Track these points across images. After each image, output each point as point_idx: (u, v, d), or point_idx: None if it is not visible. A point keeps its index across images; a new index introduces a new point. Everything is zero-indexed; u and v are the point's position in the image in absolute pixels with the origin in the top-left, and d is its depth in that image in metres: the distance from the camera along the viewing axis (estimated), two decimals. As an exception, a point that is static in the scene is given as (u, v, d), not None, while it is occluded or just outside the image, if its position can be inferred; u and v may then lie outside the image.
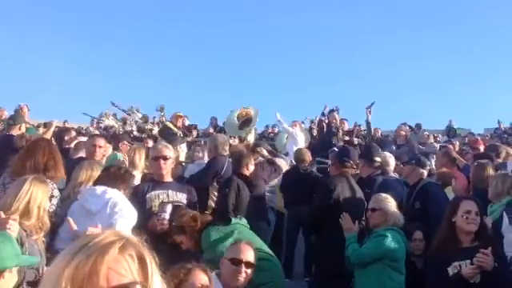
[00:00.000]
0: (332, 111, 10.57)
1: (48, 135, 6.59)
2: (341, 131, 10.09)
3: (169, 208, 3.79)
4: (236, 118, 8.81)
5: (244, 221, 3.87)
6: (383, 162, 5.43)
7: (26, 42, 38.58)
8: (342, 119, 10.83)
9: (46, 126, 7.12)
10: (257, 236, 3.82)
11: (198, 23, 44.88)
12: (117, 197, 3.51)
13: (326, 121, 10.39)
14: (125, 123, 12.24)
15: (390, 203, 4.08)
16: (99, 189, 3.55)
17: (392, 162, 5.67)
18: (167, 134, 8.15)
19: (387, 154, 5.79)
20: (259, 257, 3.52)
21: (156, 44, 43.99)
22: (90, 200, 3.49)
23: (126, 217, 3.44)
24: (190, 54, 43.55)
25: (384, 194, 4.21)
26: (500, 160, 6.12)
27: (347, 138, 9.97)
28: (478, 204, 3.44)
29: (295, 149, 9.16)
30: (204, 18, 45.05)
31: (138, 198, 3.93)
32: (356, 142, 9.29)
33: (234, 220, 3.78)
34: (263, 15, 44.97)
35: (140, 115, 12.39)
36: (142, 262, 0.91)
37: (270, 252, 3.77)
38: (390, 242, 3.84)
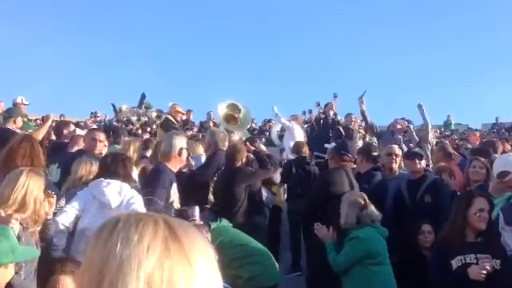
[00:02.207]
0: (327, 105, 10.61)
1: (44, 130, 6.54)
2: (356, 126, 10.09)
3: (197, 211, 3.82)
4: (222, 111, 8.48)
5: (225, 222, 3.91)
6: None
7: (25, 35, 38.40)
8: (349, 114, 10.64)
9: (44, 120, 7.09)
10: (243, 233, 3.86)
11: (195, 17, 44.62)
12: (131, 193, 3.62)
13: (323, 115, 10.43)
14: (159, 116, 12.54)
15: (349, 201, 3.99)
16: (115, 183, 3.61)
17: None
18: (168, 127, 8.11)
19: (396, 146, 5.74)
20: (247, 252, 3.58)
21: (154, 38, 43.82)
22: (108, 194, 3.54)
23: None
24: (189, 48, 43.40)
25: (350, 193, 4.16)
26: (497, 155, 6.13)
27: (363, 132, 9.99)
28: (490, 201, 3.48)
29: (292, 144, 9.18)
30: (201, 11, 44.83)
31: (167, 189, 4.05)
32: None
33: (213, 225, 3.80)
34: (262, 9, 44.85)
35: (154, 113, 12.63)
36: None
37: (259, 246, 3.82)
38: (363, 242, 3.81)
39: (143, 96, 13.29)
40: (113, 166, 3.72)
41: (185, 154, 4.35)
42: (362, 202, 3.95)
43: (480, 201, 3.39)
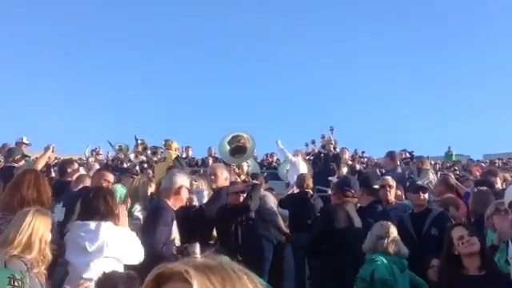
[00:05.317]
0: (329, 140, 10.78)
1: (45, 158, 6.49)
2: (343, 158, 10.24)
3: (198, 248, 3.79)
4: (227, 144, 8.52)
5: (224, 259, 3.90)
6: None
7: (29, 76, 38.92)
8: (342, 148, 10.99)
9: (45, 149, 7.08)
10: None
11: (193, 48, 44.78)
12: (111, 233, 3.50)
13: (325, 151, 10.55)
14: (155, 153, 12.95)
15: (372, 230, 4.13)
16: (91, 225, 3.50)
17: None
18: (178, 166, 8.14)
19: (389, 178, 5.78)
20: None
21: (150, 73, 43.79)
22: (85, 237, 3.46)
23: (122, 253, 3.48)
24: (185, 84, 43.56)
25: (378, 223, 4.22)
26: (497, 185, 6.14)
27: (350, 162, 10.07)
28: (467, 226, 3.62)
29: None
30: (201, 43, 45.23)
31: (169, 226, 4.06)
32: (358, 168, 9.32)
33: None
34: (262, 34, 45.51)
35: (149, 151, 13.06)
36: None
37: (262, 282, 3.80)
38: (368, 263, 3.92)
39: (136, 139, 13.80)
40: (94, 202, 3.60)
41: (185, 192, 4.31)
42: (382, 233, 4.06)
43: (457, 230, 3.52)
